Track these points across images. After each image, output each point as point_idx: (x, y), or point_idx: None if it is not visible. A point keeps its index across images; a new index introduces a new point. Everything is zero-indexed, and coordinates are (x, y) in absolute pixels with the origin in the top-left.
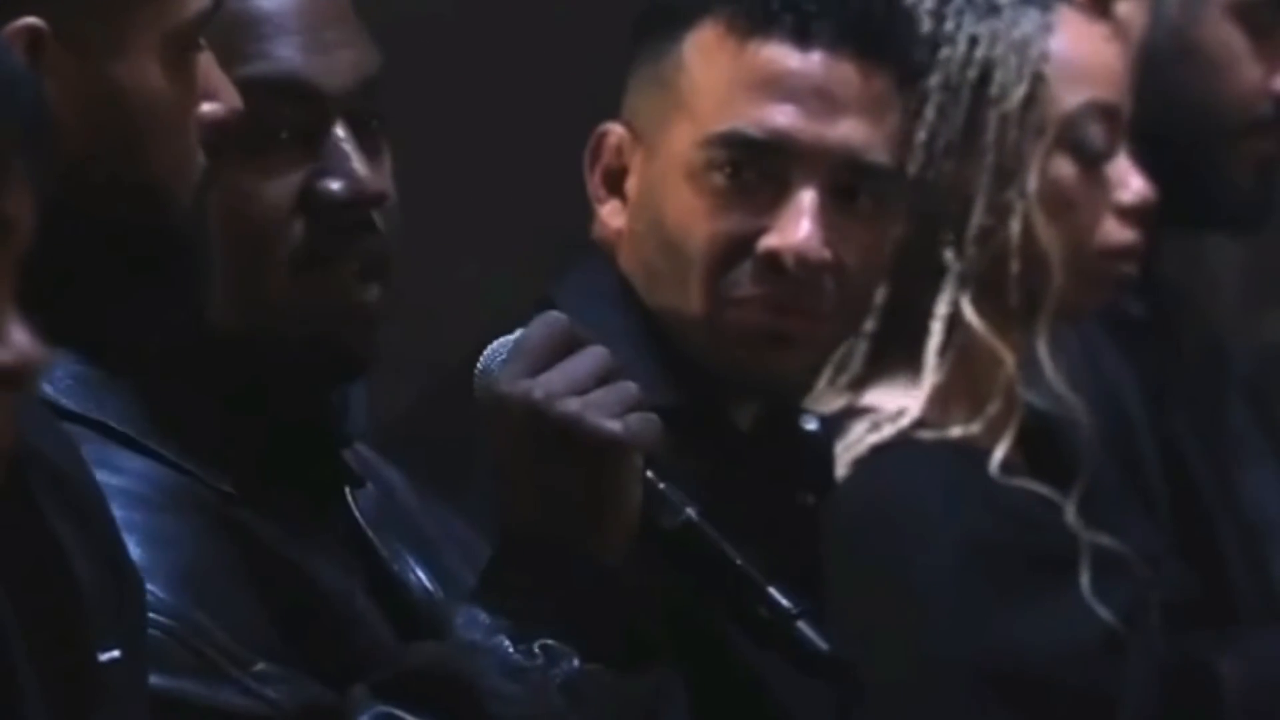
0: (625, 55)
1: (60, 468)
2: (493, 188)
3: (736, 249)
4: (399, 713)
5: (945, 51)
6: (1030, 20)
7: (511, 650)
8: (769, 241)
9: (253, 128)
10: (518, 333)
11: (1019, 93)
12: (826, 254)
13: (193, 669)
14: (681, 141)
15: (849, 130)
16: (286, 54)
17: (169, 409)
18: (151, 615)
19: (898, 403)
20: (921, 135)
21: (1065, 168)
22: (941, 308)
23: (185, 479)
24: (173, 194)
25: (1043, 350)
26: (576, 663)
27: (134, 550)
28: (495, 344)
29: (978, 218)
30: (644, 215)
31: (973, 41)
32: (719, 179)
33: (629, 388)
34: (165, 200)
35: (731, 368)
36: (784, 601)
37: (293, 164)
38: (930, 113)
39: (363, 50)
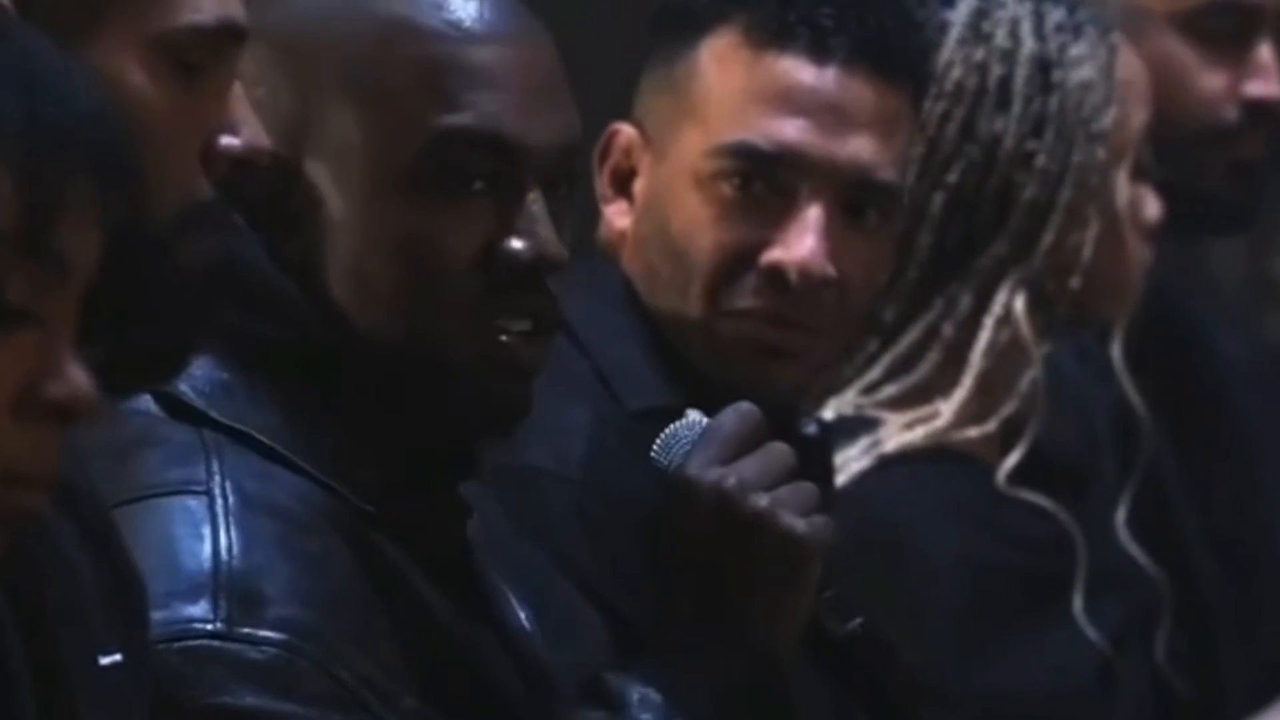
0: (637, 54)
1: (60, 470)
2: None
3: (740, 260)
4: None
5: (1058, 74)
6: (1106, 42)
7: None
8: (773, 255)
9: (449, 174)
10: (692, 415)
11: (1109, 115)
12: (830, 271)
13: (326, 697)
14: (691, 148)
15: (859, 147)
16: (493, 108)
17: (312, 423)
18: (286, 637)
19: (931, 406)
20: (1041, 160)
21: (1128, 187)
22: (996, 308)
23: (328, 496)
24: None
25: (1118, 357)
26: None
27: (282, 568)
28: (674, 426)
29: (1053, 232)
30: (650, 219)
31: (1077, 63)
32: (727, 189)
33: (809, 488)
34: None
35: (727, 377)
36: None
37: (482, 217)
38: (1050, 135)
39: (567, 117)
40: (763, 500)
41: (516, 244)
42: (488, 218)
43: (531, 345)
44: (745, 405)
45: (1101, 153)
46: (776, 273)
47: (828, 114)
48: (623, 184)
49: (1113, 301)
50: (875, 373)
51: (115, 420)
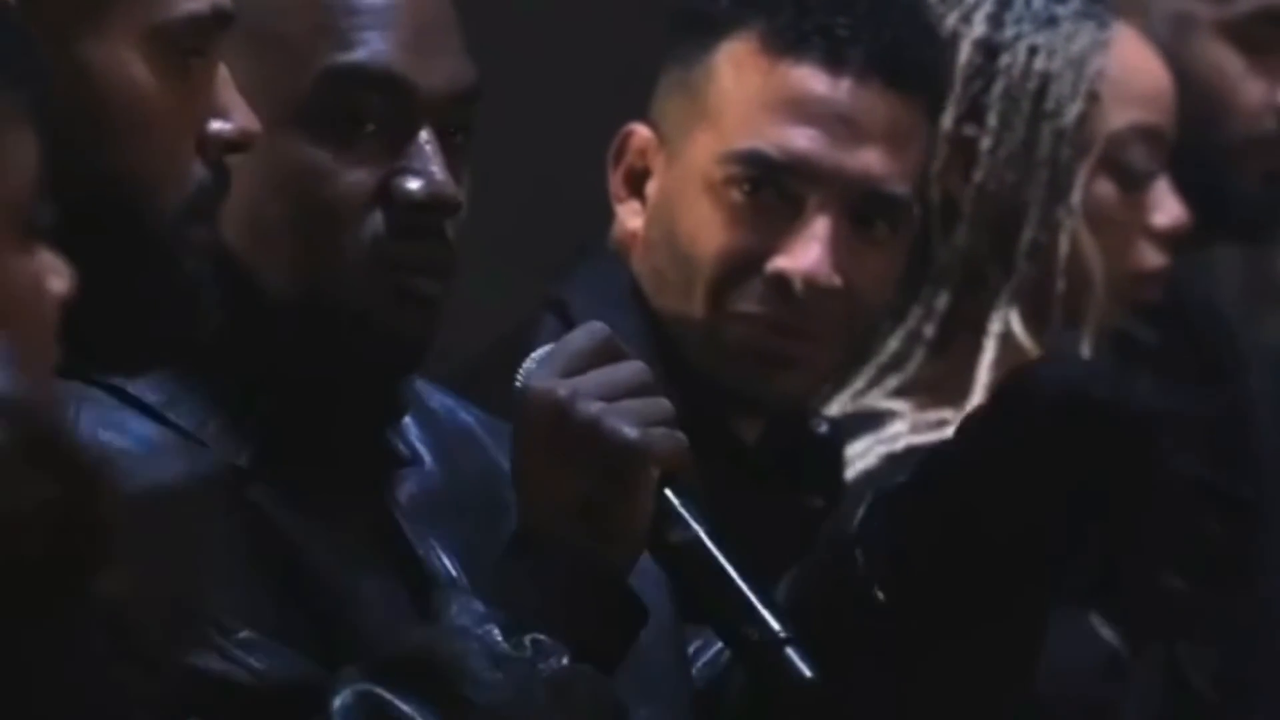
0: (654, 55)
1: None
2: (510, 184)
3: (746, 266)
4: (379, 690)
5: (1005, 59)
6: (1087, 35)
7: (500, 639)
8: (779, 263)
9: (341, 114)
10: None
11: (1074, 109)
12: (836, 280)
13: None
14: (703, 152)
15: (870, 159)
16: (385, 47)
17: (195, 378)
18: None
19: (939, 412)
20: (986, 143)
21: (1106, 188)
22: (995, 325)
23: (183, 440)
24: (151, 194)
25: None
26: (565, 660)
27: None
28: (541, 350)
29: (1029, 232)
30: (660, 220)
31: (1032, 51)
32: (736, 195)
33: (661, 403)
34: (142, 197)
35: (730, 383)
36: (776, 625)
37: (375, 157)
38: (993, 121)
39: (461, 62)
40: (594, 407)
41: (410, 184)
42: (381, 157)
43: (430, 282)
44: (596, 324)
45: (1067, 149)
46: (781, 280)
47: (839, 124)
48: (636, 185)
49: (1090, 308)
50: (860, 382)
51: None
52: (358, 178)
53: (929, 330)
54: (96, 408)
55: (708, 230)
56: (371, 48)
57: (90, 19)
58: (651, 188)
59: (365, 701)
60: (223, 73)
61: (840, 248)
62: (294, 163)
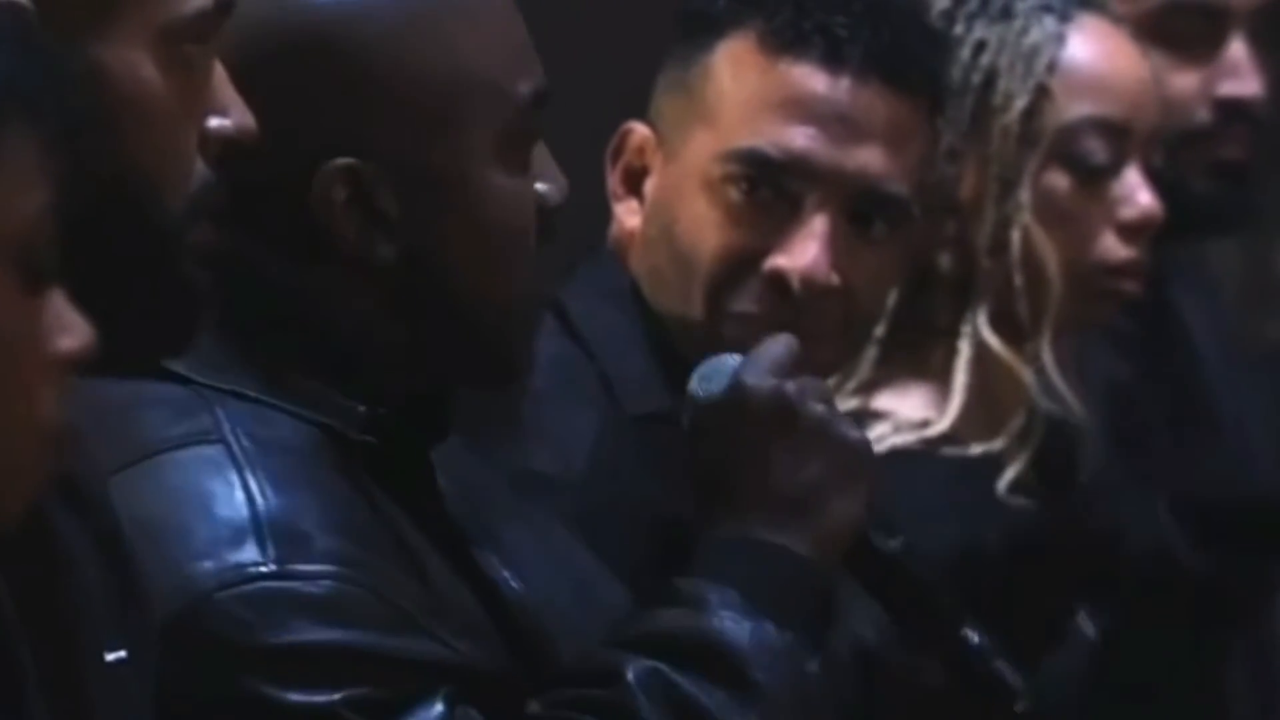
0: (654, 53)
1: (67, 467)
2: None
3: (744, 265)
4: (664, 668)
5: (955, 54)
6: (1043, 29)
7: (775, 632)
8: (776, 261)
9: (523, 140)
10: (724, 355)
11: (1020, 103)
12: (834, 279)
13: (385, 622)
14: (701, 151)
15: (869, 158)
16: (537, 66)
17: (293, 378)
18: (336, 568)
19: (917, 411)
20: (945, 142)
21: (1060, 180)
22: (968, 326)
23: (323, 434)
24: (157, 193)
25: (1048, 359)
26: (817, 664)
27: (312, 502)
28: (713, 360)
29: (988, 229)
30: (658, 219)
31: (979, 46)
32: (734, 194)
33: (850, 418)
34: (147, 196)
35: None
36: (978, 639)
37: (530, 173)
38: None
39: None
40: (820, 408)
41: (551, 190)
42: (530, 172)
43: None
44: (786, 335)
45: (1013, 143)
46: (779, 279)
47: (838, 124)
48: (634, 183)
49: (1048, 301)
50: (851, 383)
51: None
52: (530, 199)
53: (879, 329)
54: (234, 404)
55: (705, 228)
56: (538, 71)
57: (99, 20)
58: (650, 186)
59: (657, 679)
60: (219, 70)
61: (838, 247)
62: (502, 193)
